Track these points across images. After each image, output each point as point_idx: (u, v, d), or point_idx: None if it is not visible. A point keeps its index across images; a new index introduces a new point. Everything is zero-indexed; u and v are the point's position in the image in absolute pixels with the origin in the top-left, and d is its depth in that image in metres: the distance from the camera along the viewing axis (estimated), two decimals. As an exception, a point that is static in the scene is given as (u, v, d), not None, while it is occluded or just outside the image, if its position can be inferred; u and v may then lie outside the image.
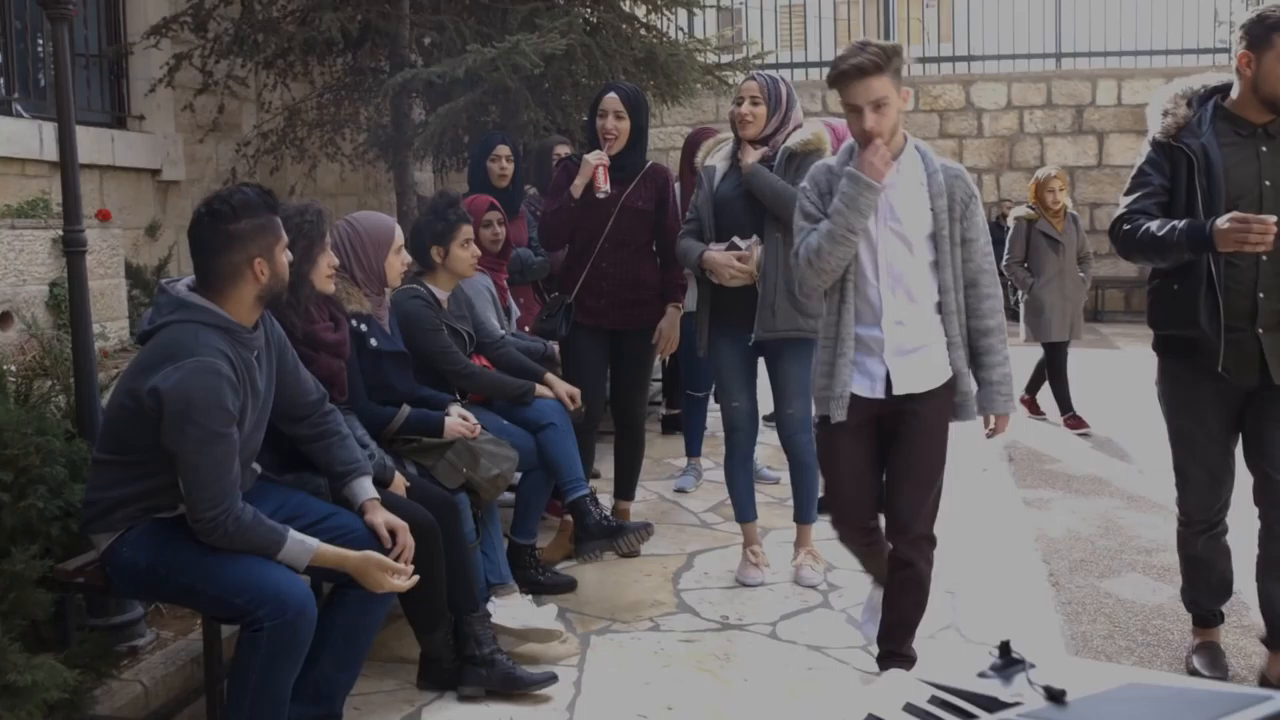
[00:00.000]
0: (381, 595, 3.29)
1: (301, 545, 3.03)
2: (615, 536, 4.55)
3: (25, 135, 7.24)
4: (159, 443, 2.96)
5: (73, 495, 3.36)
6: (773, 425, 5.04)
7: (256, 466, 3.34)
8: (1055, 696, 1.09)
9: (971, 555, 5.17)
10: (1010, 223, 8.37)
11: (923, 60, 15.82)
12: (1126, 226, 3.65)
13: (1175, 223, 3.49)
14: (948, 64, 15.83)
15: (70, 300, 3.94)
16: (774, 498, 6.06)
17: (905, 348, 3.52)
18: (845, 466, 3.66)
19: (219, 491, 2.92)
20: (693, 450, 6.64)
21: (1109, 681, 1.15)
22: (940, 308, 3.54)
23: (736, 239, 4.68)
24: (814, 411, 3.73)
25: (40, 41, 8.09)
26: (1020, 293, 8.21)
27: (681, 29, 9.49)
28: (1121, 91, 14.81)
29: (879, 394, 3.54)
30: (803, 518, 4.99)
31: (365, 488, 3.40)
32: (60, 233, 6.24)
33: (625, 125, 5.03)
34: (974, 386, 3.64)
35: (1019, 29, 15.34)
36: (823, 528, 5.17)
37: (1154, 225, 3.54)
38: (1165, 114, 3.70)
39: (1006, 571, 5.01)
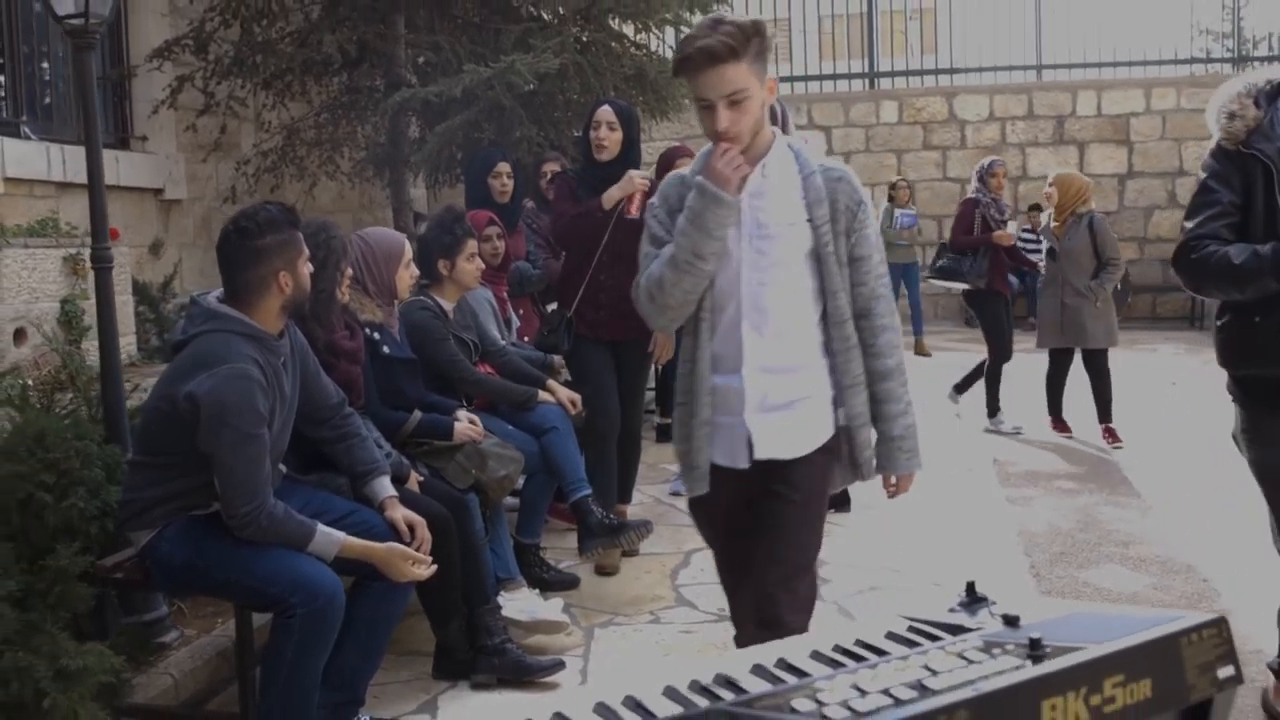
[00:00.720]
0: (402, 588, 3.50)
1: (329, 538, 3.24)
2: (617, 534, 4.78)
3: (33, 157, 7.44)
4: (194, 445, 3.17)
5: (109, 496, 3.56)
6: None
7: (282, 467, 3.54)
8: (1011, 621, 1.30)
9: (956, 549, 5.40)
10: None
11: (906, 73, 16.06)
12: (1194, 255, 3.09)
13: (1258, 248, 2.96)
14: (930, 76, 16.08)
15: (98, 314, 4.14)
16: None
17: (773, 402, 2.81)
18: (722, 544, 3.03)
19: (253, 489, 3.13)
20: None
21: (1060, 611, 1.37)
22: (827, 347, 2.84)
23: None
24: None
25: (45, 65, 8.31)
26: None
27: (671, 46, 9.69)
28: (1101, 102, 15.09)
29: (741, 463, 2.84)
30: (795, 516, 5.19)
31: (384, 486, 3.62)
32: (71, 251, 6.49)
33: (617, 136, 5.23)
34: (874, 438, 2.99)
35: (1000, 41, 15.62)
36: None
37: (1232, 251, 3.00)
38: (1232, 116, 3.12)
39: (989, 563, 5.23)
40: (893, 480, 3.01)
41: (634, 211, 5.01)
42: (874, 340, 2.86)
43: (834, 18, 16.20)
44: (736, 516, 2.90)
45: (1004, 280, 8.38)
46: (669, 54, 9.64)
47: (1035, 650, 1.19)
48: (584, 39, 8.66)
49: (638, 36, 9.19)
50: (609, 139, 5.21)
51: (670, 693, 1.20)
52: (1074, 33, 15.56)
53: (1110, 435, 7.76)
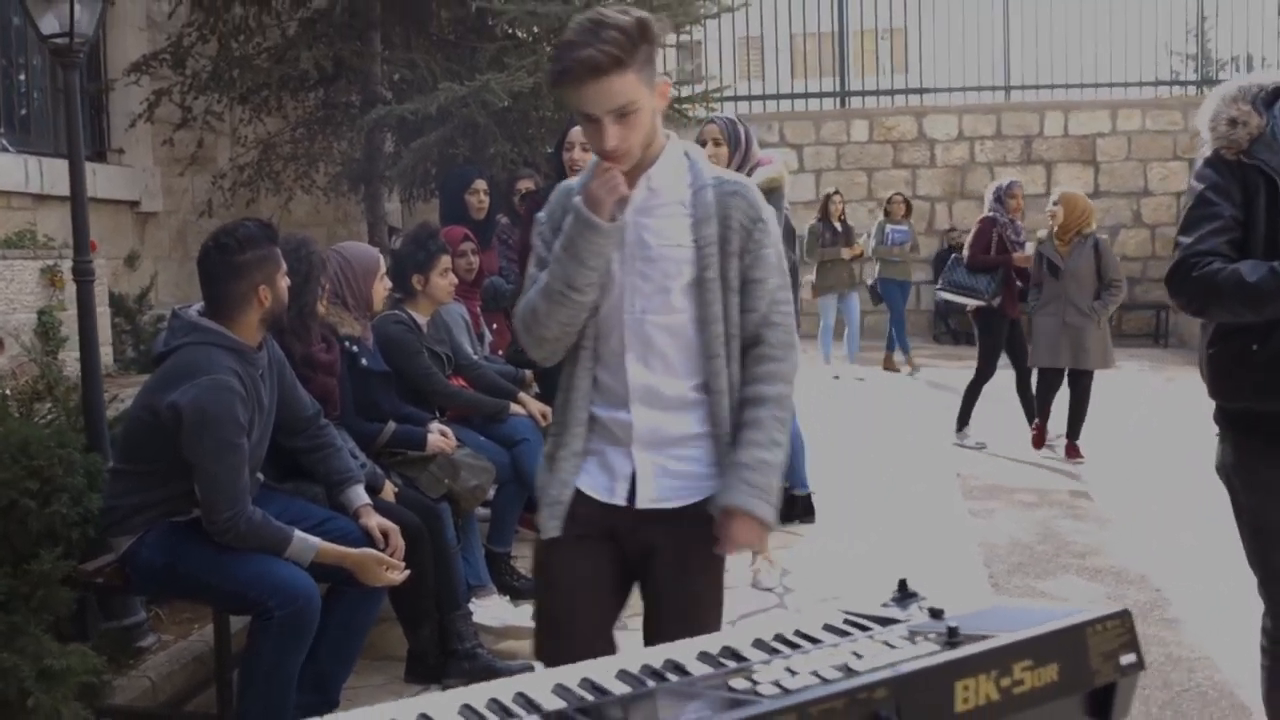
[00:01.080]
0: (375, 594, 3.61)
1: (305, 543, 3.35)
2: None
3: (11, 169, 7.52)
4: (175, 453, 3.27)
5: (91, 503, 3.66)
6: None
7: (260, 475, 3.65)
8: (936, 614, 1.43)
9: (916, 559, 5.53)
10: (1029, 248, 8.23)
11: (876, 93, 16.27)
12: (1195, 274, 2.76)
13: (1275, 265, 2.64)
14: (901, 96, 16.29)
15: (80, 326, 4.24)
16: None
17: (662, 438, 2.48)
18: (563, 599, 2.53)
19: (233, 496, 3.24)
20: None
21: (982, 605, 1.51)
22: (708, 386, 2.47)
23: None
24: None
25: (23, 78, 8.39)
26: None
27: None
28: (1068, 122, 15.32)
29: (619, 499, 2.48)
30: (760, 526, 5.31)
31: (359, 494, 3.73)
32: (49, 262, 6.57)
33: (590, 157, 5.34)
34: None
35: (969, 62, 15.84)
36: (778, 537, 5.56)
37: (1244, 269, 2.67)
38: (1234, 123, 2.80)
39: (949, 573, 5.37)
40: (726, 518, 2.39)
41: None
42: (755, 369, 2.47)
43: (805, 36, 16.40)
44: (597, 565, 2.48)
45: (1014, 303, 8.30)
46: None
47: (952, 638, 1.32)
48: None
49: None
50: (582, 159, 5.31)
51: (622, 675, 1.33)
52: (1041, 54, 15.81)
53: (1073, 451, 7.92)
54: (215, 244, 3.45)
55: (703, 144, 5.12)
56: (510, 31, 8.82)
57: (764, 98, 16.07)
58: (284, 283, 3.54)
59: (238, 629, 3.71)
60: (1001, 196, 8.48)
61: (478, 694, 1.28)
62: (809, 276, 11.60)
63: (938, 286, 9.09)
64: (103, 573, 3.55)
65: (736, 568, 5.32)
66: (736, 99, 15.48)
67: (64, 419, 4.45)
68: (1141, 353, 13.69)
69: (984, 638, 1.32)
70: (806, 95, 16.22)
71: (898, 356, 12.38)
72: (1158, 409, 9.71)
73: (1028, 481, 7.33)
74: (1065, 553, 5.71)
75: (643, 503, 2.46)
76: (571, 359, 2.51)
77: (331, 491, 3.76)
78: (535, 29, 8.75)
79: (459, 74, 7.88)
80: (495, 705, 1.25)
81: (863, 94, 16.19)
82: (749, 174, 5.09)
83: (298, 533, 3.36)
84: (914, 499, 6.76)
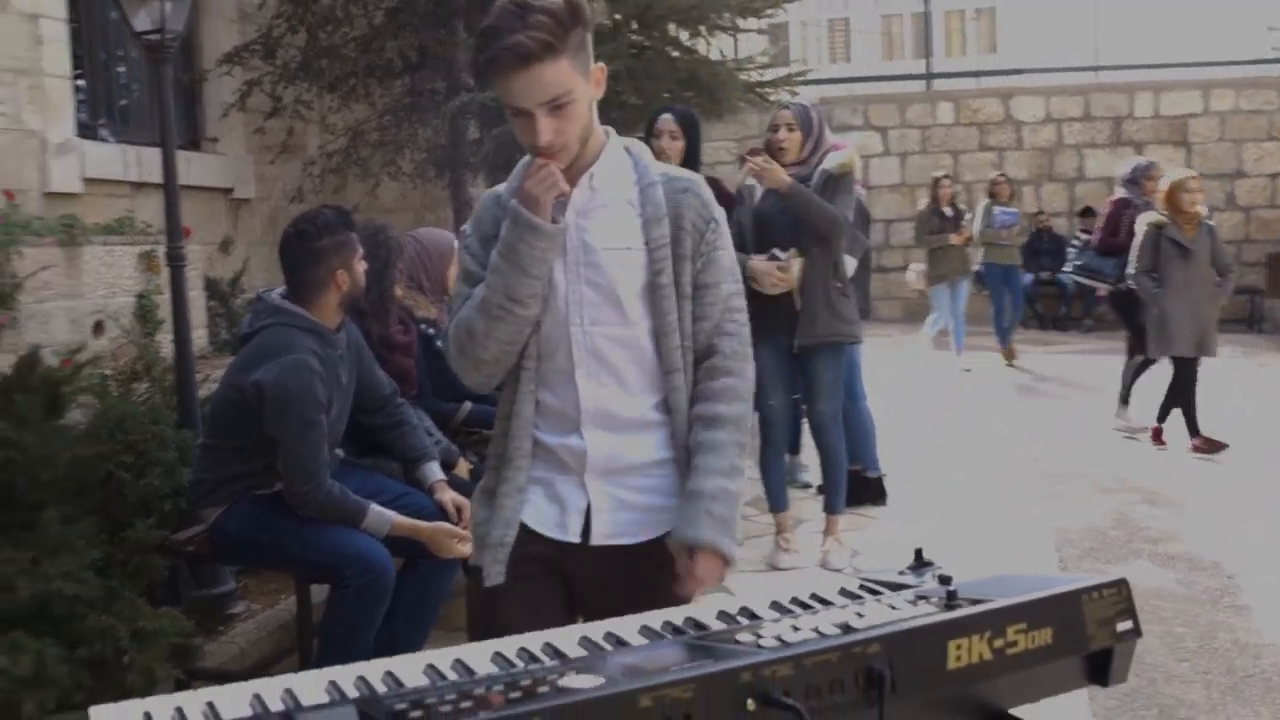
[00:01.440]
0: (448, 566, 3.77)
1: (381, 516, 3.52)
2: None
3: (111, 158, 7.81)
4: (258, 429, 3.46)
5: (182, 476, 3.87)
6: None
7: (339, 451, 3.82)
8: (945, 581, 1.53)
9: (988, 543, 5.57)
10: (1139, 229, 7.66)
11: (962, 74, 16.13)
12: None
13: None
14: (987, 78, 16.14)
15: (173, 308, 4.46)
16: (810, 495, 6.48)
17: (620, 465, 2.23)
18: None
19: (313, 469, 3.41)
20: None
21: (990, 574, 1.60)
22: (667, 404, 2.24)
23: (777, 251, 5.09)
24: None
25: (122, 69, 8.69)
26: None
27: (722, 51, 9.91)
28: (1159, 103, 15.08)
29: (572, 535, 2.22)
30: (831, 508, 5.41)
31: (434, 470, 3.91)
32: (146, 248, 6.83)
33: (679, 145, 5.42)
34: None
35: (1057, 43, 15.67)
36: (850, 518, 5.64)
37: None
38: None
39: (1019, 557, 5.40)
40: (687, 556, 2.13)
41: None
42: (709, 383, 2.23)
43: (891, 17, 16.34)
44: (543, 611, 2.14)
45: None
46: (723, 56, 9.86)
47: (950, 601, 1.41)
48: (641, 42, 8.89)
49: (690, 41, 9.41)
50: (671, 148, 5.39)
51: (644, 630, 1.44)
52: (1131, 34, 15.59)
53: (1158, 436, 7.77)
54: (295, 231, 3.63)
55: (775, 129, 5.19)
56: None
57: (848, 80, 16.06)
58: (361, 267, 3.70)
59: (318, 601, 3.89)
60: (1138, 178, 8.15)
61: (509, 644, 1.40)
62: (919, 265, 11.42)
63: (1067, 270, 8.76)
64: (193, 542, 3.76)
65: (807, 549, 5.42)
66: (820, 82, 15.47)
67: (159, 397, 4.68)
68: (1234, 338, 13.43)
69: (981, 602, 1.41)
70: (892, 78, 16.17)
71: (1007, 344, 11.68)
72: (1250, 395, 9.56)
73: (1106, 467, 7.30)
74: (1138, 539, 5.71)
75: (598, 539, 2.21)
76: (511, 381, 2.25)
77: (407, 467, 3.93)
78: (617, 15, 8.86)
79: (541, 61, 8.00)
80: (524, 654, 1.38)
81: (948, 75, 16.08)
82: (821, 159, 5.15)
83: (373, 506, 3.53)
84: (989, 483, 6.78)
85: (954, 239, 11.02)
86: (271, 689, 1.27)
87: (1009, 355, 11.64)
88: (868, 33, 16.19)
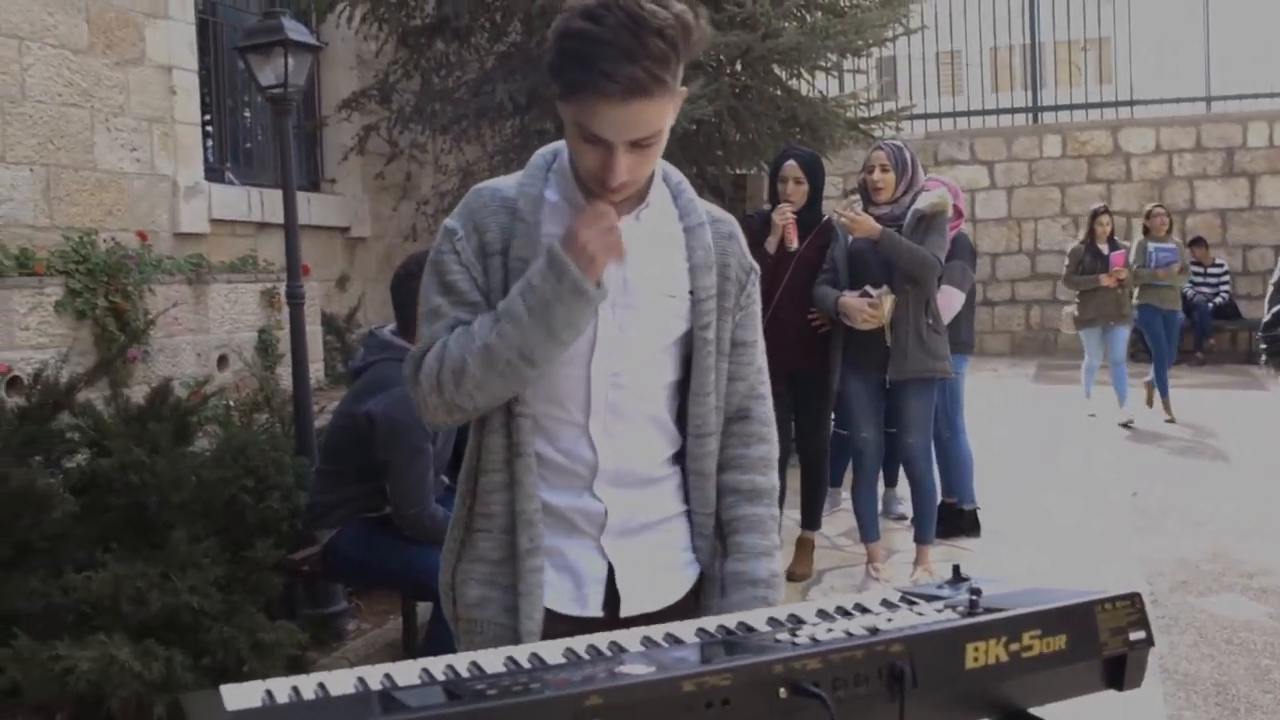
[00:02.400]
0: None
1: None
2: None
3: (236, 200, 8.24)
4: (368, 456, 3.71)
5: (298, 500, 4.14)
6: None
7: (444, 479, 4.06)
8: (975, 592, 1.68)
9: (1080, 574, 5.62)
10: None
11: (1070, 107, 16.02)
12: None
13: None
14: (1095, 110, 16.00)
15: (292, 343, 4.76)
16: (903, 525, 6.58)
17: (635, 523, 1.98)
18: None
19: (420, 494, 3.66)
20: (833, 480, 7.17)
21: (1021, 587, 1.74)
22: (684, 456, 2.01)
23: (869, 288, 5.23)
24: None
25: (247, 115, 9.16)
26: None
27: (824, 91, 10.06)
28: (1273, 133, 14.84)
29: (594, 609, 1.95)
30: (921, 538, 5.53)
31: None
32: (268, 285, 7.21)
33: (804, 189, 5.55)
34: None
35: (1167, 73, 15.50)
36: (942, 550, 5.74)
37: None
38: None
39: (1109, 588, 5.43)
40: None
41: (793, 241, 5.42)
42: (745, 451, 2.03)
43: (996, 49, 16.32)
44: None
45: None
46: (823, 94, 10.00)
47: (972, 609, 1.57)
48: (743, 80, 9.09)
49: (790, 81, 9.59)
50: (796, 193, 5.54)
51: (700, 632, 1.62)
52: (1244, 63, 15.36)
53: None
54: (405, 271, 3.89)
55: (870, 170, 5.33)
56: (697, 59, 9.15)
57: (953, 114, 16.03)
58: (465, 305, 3.94)
59: (424, 620, 4.13)
60: None
61: (579, 641, 1.58)
62: (1069, 307, 10.58)
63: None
64: (308, 561, 4.03)
65: (897, 578, 5.53)
66: (926, 116, 15.54)
67: (280, 427, 4.99)
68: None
69: (1002, 610, 1.57)
70: (998, 111, 16.12)
71: (1166, 395, 10.30)
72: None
73: (1204, 501, 7.26)
74: (1232, 572, 5.71)
75: (631, 609, 1.94)
76: (496, 429, 1.92)
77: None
78: (720, 57, 9.08)
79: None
80: (592, 650, 1.56)
81: (1055, 109, 15.98)
82: (914, 198, 5.27)
83: (473, 529, 3.75)
84: (1084, 516, 6.80)
85: (1104, 280, 9.69)
86: (373, 674, 1.48)
87: (1167, 411, 10.21)
88: (977, 65, 16.15)
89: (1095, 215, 10.05)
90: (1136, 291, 10.11)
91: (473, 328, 1.87)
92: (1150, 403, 10.48)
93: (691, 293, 1.96)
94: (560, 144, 1.97)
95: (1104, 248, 9.82)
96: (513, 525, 1.92)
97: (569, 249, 1.77)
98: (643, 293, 1.92)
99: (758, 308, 2.07)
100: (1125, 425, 9.65)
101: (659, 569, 1.99)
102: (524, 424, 1.90)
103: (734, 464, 2.03)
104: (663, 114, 1.77)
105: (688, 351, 1.97)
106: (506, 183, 1.96)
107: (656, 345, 1.94)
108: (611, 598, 1.95)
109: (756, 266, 2.08)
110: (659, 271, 1.94)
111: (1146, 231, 10.49)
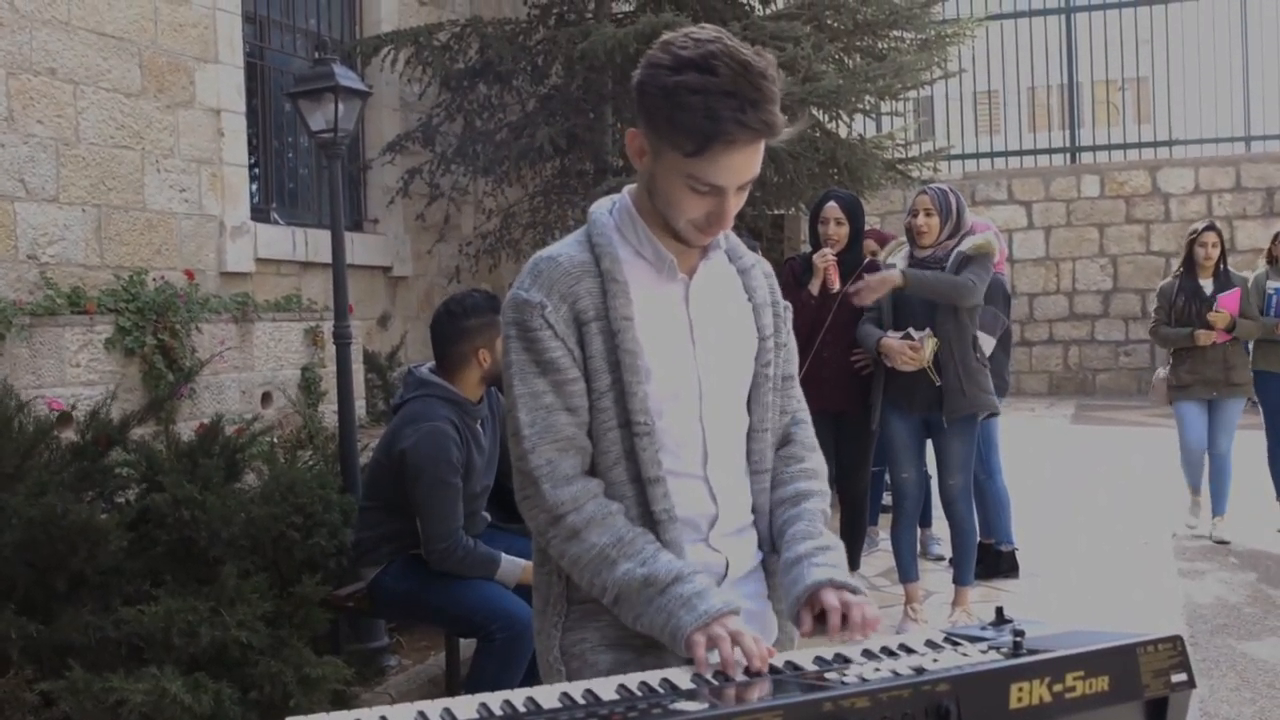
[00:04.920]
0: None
1: (514, 564, 3.82)
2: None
3: (280, 240, 8.36)
4: (406, 492, 3.78)
5: (344, 537, 4.20)
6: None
7: (486, 515, 4.12)
8: (1018, 634, 1.71)
9: (1119, 616, 5.60)
10: None
11: (1108, 147, 16.01)
12: None
13: None
14: (1134, 150, 15.97)
15: (338, 383, 4.84)
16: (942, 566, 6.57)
17: (737, 573, 2.00)
18: None
19: (448, 527, 3.72)
20: (870, 520, 7.17)
21: (1064, 629, 1.77)
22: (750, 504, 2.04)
23: (911, 330, 5.26)
24: None
25: (291, 155, 9.31)
26: None
27: (862, 134, 10.12)
28: (1314, 173, 14.79)
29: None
30: (960, 580, 5.52)
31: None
32: (311, 324, 7.31)
33: (845, 230, 5.62)
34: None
35: (1206, 113, 15.46)
36: (980, 590, 5.73)
37: None
38: None
39: (1149, 631, 5.40)
40: (815, 593, 1.84)
41: (835, 282, 5.48)
42: (787, 467, 2.07)
43: (1034, 89, 16.33)
44: None
45: None
46: (860, 136, 10.06)
47: (1016, 650, 1.60)
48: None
49: (829, 123, 9.66)
50: (836, 234, 5.61)
51: (748, 670, 1.66)
52: (1285, 104, 15.31)
53: None
54: (446, 310, 3.97)
55: (914, 214, 5.35)
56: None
57: (991, 155, 16.05)
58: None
59: (466, 656, 4.17)
60: None
61: (632, 679, 1.63)
62: (1161, 370, 7.53)
63: None
64: (353, 598, 4.09)
65: (936, 620, 5.53)
66: (964, 157, 15.58)
67: (323, 464, 5.06)
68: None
69: (1045, 651, 1.60)
70: (1036, 151, 16.13)
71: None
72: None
73: (1246, 543, 7.20)
74: (1274, 615, 5.67)
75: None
76: (632, 494, 1.91)
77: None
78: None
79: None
80: (644, 686, 1.60)
81: (1094, 149, 15.97)
82: (959, 241, 5.29)
83: (505, 556, 3.82)
84: (1124, 558, 6.77)
85: (1203, 338, 6.91)
86: (433, 709, 1.52)
87: None
88: (1014, 105, 16.17)
89: (1194, 238, 7.16)
90: (1251, 349, 7.30)
91: (611, 567, 1.83)
92: None
93: (758, 331, 2.02)
94: (613, 199, 2.02)
95: (1207, 285, 7.04)
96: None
97: (690, 649, 1.71)
98: (727, 340, 1.97)
99: (792, 340, 2.12)
100: (1221, 542, 7.11)
101: (753, 620, 1.94)
102: (656, 491, 1.89)
103: (781, 480, 2.06)
104: (762, 155, 1.81)
105: (752, 386, 2.02)
106: (569, 249, 1.96)
107: (742, 387, 2.00)
108: None
109: (788, 303, 2.13)
110: (732, 314, 2.00)
111: (1272, 263, 7.35)
